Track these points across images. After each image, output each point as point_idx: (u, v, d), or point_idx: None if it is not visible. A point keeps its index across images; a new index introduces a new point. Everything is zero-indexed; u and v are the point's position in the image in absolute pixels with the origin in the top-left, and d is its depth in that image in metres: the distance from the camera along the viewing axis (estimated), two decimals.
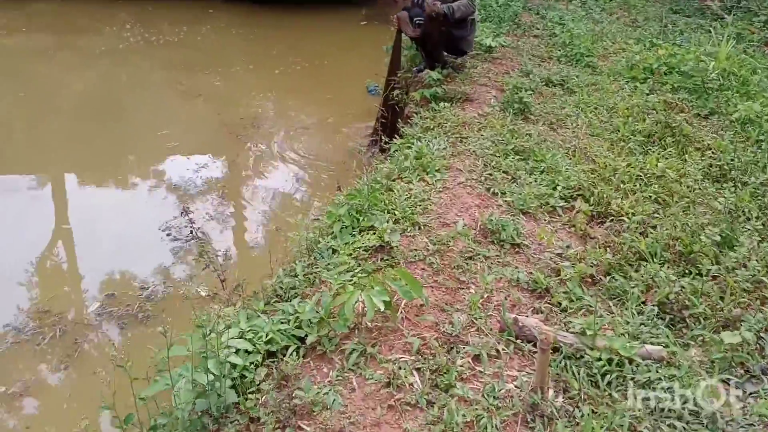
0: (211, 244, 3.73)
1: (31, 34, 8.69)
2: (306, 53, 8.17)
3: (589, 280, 2.87)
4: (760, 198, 3.55)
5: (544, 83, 5.28)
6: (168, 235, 4.06)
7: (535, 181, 3.62)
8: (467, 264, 2.82)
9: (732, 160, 3.87)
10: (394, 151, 4.24)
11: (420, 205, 3.24)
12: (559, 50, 6.16)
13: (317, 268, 2.75)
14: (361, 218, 3.03)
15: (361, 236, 2.87)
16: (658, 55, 5.90)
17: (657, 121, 4.40)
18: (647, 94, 4.73)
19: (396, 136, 4.69)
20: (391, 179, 3.57)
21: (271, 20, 9.49)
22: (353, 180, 4.07)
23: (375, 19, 9.73)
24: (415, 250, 2.88)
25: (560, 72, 5.52)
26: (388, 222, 3.01)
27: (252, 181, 5.03)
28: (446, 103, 4.62)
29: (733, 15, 7.78)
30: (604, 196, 3.50)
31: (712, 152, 4.05)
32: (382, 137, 5.19)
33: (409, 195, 3.32)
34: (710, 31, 7.13)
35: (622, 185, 3.67)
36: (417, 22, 5.15)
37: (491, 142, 4.06)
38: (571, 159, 3.96)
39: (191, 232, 3.33)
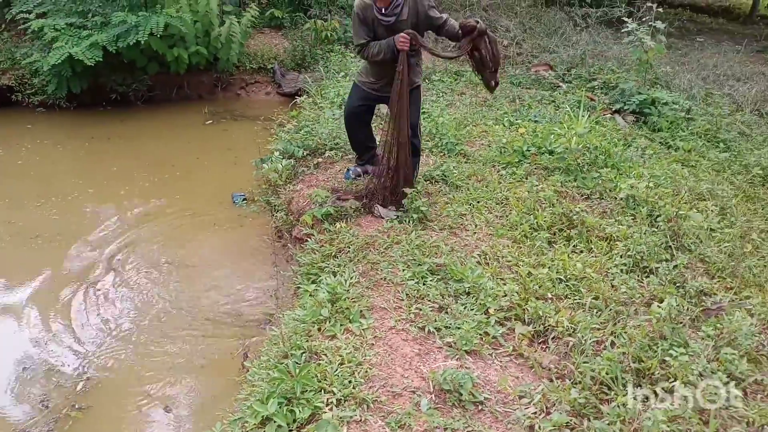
0: None
1: None
2: (152, 166, 7.39)
3: (567, 430, 2.57)
4: (680, 286, 3.56)
5: (427, 180, 5.11)
6: None
7: (465, 308, 3.32)
8: None
9: (641, 246, 3.89)
10: (298, 289, 3.75)
11: (358, 372, 2.76)
12: (428, 140, 6.09)
13: None
14: (297, 410, 2.48)
15: None
16: (522, 136, 6.06)
17: (554, 213, 4.37)
18: (535, 185, 4.70)
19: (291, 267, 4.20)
20: (310, 337, 3.06)
21: (102, 129, 8.55)
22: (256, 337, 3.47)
23: (220, 116, 9.21)
24: None
25: (438, 165, 5.40)
26: (331, 409, 2.50)
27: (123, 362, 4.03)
28: (341, 223, 4.23)
29: (567, 83, 8.38)
30: (539, 312, 3.29)
31: (617, 241, 4.05)
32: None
33: (341, 359, 2.83)
34: (554, 101, 7.58)
35: (549, 294, 3.51)
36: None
37: (404, 263, 3.72)
38: (485, 268, 3.74)
39: None
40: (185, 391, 3.56)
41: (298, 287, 3.86)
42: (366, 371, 2.77)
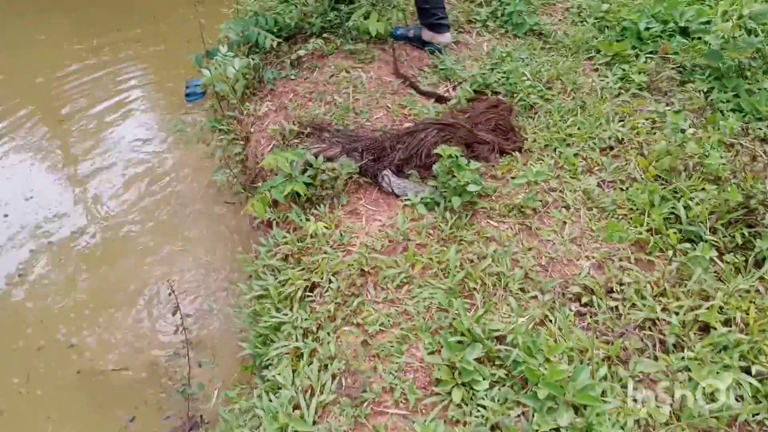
0: None
1: None
2: (89, 27, 5.34)
3: None
4: None
5: (477, 89, 3.05)
6: None
7: None
8: None
9: None
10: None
11: None
12: (481, 6, 3.82)
13: None
14: None
15: None
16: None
17: (718, 197, 2.31)
18: (677, 127, 2.54)
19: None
20: None
21: None
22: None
23: None
24: None
25: (495, 56, 3.27)
26: None
27: None
28: (321, 208, 2.32)
29: None
30: None
31: None
32: None
33: None
34: None
35: None
36: None
37: (429, 334, 1.87)
38: (600, 348, 1.87)
39: None
40: None
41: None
42: None
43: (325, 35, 3.36)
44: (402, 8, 3.50)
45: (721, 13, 3.21)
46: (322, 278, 2.07)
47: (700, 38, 3.38)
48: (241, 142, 2.96)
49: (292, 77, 3.19)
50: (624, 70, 3.19)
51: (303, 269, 2.14)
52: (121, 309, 2.84)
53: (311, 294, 2.06)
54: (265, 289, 2.16)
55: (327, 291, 2.03)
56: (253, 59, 3.20)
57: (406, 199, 2.38)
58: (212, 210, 3.29)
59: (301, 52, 3.24)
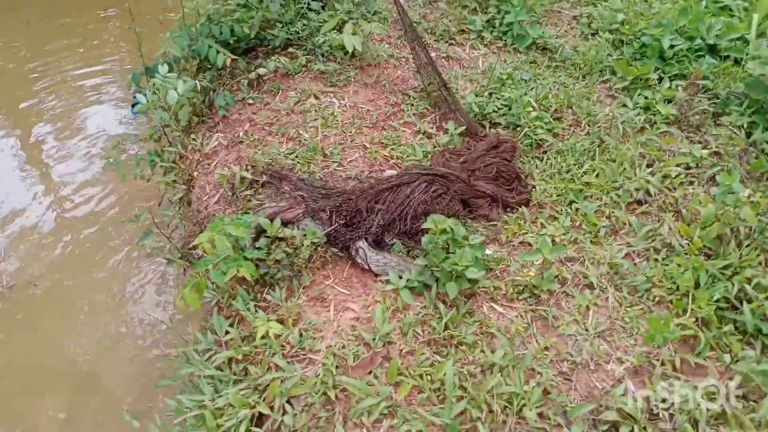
0: None
1: None
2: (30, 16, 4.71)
3: None
4: None
5: (476, 118, 2.51)
6: None
7: None
8: None
9: None
10: None
11: None
12: (476, 13, 3.28)
13: None
14: None
15: None
16: (651, 5, 3.25)
17: None
18: (730, 191, 2.02)
19: None
20: None
21: None
22: None
23: None
24: None
25: (493, 77, 2.73)
26: None
27: None
28: (275, 294, 1.78)
29: None
30: None
31: None
32: None
33: None
34: None
35: None
36: None
37: None
38: None
39: None
40: None
41: None
42: None
43: (291, 49, 2.79)
44: (384, 17, 2.94)
45: (758, 31, 2.73)
46: (273, 406, 1.53)
47: (729, 57, 2.90)
48: (184, 186, 2.39)
49: (250, 101, 2.63)
50: (647, 97, 2.68)
51: (248, 387, 1.60)
52: (35, 394, 2.28)
53: (258, 429, 1.52)
54: (200, 406, 1.62)
55: (279, 428, 1.49)
56: (201, 80, 2.62)
57: (386, 279, 1.84)
58: (149, 267, 2.72)
59: (262, 71, 2.67)
